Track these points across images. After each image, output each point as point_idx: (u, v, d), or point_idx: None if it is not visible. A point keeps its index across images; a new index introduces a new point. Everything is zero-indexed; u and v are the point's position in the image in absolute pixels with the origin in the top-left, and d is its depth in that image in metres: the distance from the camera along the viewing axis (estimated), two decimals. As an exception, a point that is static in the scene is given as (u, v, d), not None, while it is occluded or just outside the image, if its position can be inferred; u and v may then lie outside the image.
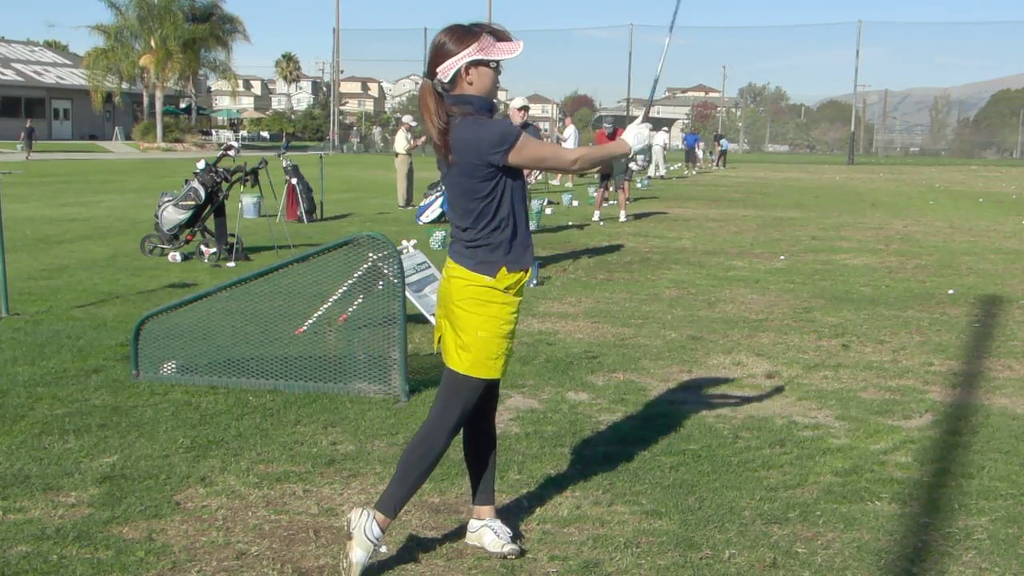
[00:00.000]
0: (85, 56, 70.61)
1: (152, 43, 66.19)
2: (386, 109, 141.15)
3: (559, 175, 29.22)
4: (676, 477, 5.43)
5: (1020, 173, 58.45)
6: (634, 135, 4.26)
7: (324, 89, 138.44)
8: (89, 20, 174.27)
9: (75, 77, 77.47)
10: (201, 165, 14.06)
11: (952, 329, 9.70)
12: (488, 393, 4.37)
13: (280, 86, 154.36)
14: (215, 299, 7.30)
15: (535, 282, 11.83)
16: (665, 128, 47.36)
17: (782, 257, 15.24)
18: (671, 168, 47.31)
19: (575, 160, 4.24)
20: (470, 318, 4.11)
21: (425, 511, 4.94)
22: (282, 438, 5.99)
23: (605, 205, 21.51)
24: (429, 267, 9.19)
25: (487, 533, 4.40)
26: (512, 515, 4.81)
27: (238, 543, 4.52)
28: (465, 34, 3.98)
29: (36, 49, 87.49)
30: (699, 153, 53.55)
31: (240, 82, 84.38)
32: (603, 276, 12.95)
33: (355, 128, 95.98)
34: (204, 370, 7.18)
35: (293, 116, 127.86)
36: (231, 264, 13.25)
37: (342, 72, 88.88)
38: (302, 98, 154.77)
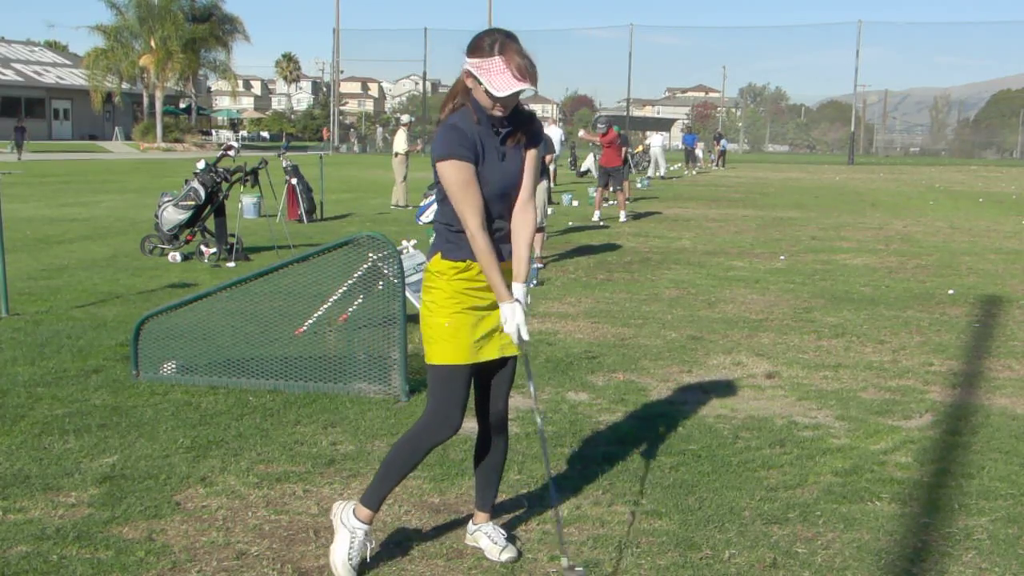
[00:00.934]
0: (85, 56, 70.62)
1: (152, 43, 66.20)
2: (386, 109, 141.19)
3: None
4: (676, 477, 5.43)
5: (1020, 173, 58.44)
6: (517, 318, 4.00)
7: (324, 89, 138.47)
8: (89, 20, 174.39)
9: (75, 77, 77.50)
10: (201, 165, 14.07)
11: (952, 329, 9.70)
12: (485, 395, 4.33)
13: (280, 86, 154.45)
14: (215, 299, 7.30)
15: (535, 282, 11.83)
16: (664, 132, 47.26)
17: (782, 257, 15.24)
18: (671, 168, 47.30)
19: (475, 232, 3.93)
20: (421, 304, 4.20)
21: (425, 511, 4.94)
22: (282, 438, 5.99)
23: (605, 205, 21.50)
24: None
25: (482, 538, 4.41)
26: (512, 515, 4.81)
27: (238, 543, 4.52)
28: (475, 46, 3.88)
29: (36, 49, 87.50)
30: (698, 153, 53.54)
31: (240, 82, 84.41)
32: (603, 276, 12.95)
33: (352, 128, 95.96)
34: (204, 370, 7.18)
35: (293, 116, 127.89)
36: (231, 264, 13.25)
37: (342, 72, 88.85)
38: (302, 98, 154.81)
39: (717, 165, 57.63)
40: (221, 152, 14.90)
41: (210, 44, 70.53)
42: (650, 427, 6.32)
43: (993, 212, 25.97)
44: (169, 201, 13.95)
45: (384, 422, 6.31)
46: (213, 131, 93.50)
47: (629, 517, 4.86)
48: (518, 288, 4.07)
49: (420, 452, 4.18)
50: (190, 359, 7.28)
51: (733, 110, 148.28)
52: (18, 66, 77.94)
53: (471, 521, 4.51)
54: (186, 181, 14.10)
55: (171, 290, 11.04)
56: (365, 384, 6.90)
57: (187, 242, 14.01)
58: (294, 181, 19.41)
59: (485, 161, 3.96)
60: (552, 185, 16.88)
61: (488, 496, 4.47)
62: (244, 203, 18.24)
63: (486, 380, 4.30)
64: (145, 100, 73.88)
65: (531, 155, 4.12)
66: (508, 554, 4.32)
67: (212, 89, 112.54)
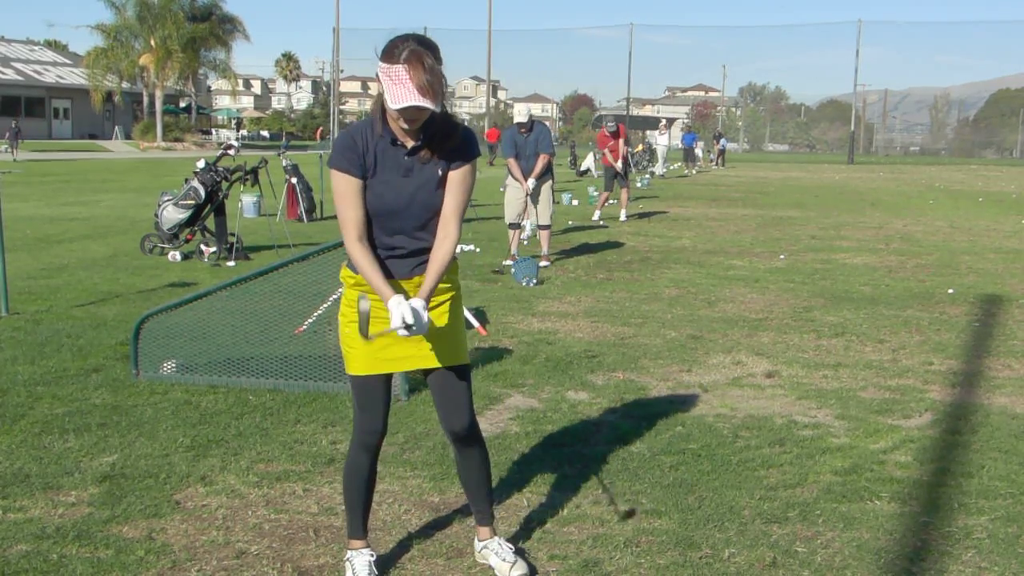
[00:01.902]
0: (85, 55, 70.61)
1: (152, 42, 66.18)
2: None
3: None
4: (676, 476, 5.43)
5: (1020, 172, 58.44)
6: (399, 309, 3.72)
7: (324, 88, 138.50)
8: (89, 19, 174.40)
9: (75, 76, 77.46)
10: (201, 164, 14.08)
11: (952, 328, 9.70)
12: (441, 410, 4.14)
13: (280, 85, 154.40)
14: (215, 298, 7.31)
15: (534, 281, 11.83)
16: (664, 127, 47.15)
17: (782, 256, 15.24)
18: (671, 167, 47.31)
19: (347, 244, 3.89)
20: None
21: (425, 510, 4.94)
22: (282, 437, 5.99)
23: (606, 205, 21.49)
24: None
25: (491, 556, 4.29)
26: (512, 515, 4.81)
27: (238, 542, 4.52)
28: (387, 49, 3.64)
29: (36, 48, 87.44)
30: (698, 152, 53.50)
31: (240, 81, 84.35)
32: (603, 275, 12.95)
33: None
34: (204, 369, 7.19)
35: (293, 115, 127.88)
36: (231, 263, 13.25)
37: (342, 71, 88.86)
38: (302, 97, 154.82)
39: (717, 164, 57.63)
40: (221, 151, 14.91)
41: (210, 43, 70.49)
42: (650, 426, 6.32)
43: (993, 211, 25.97)
44: (169, 200, 13.95)
45: (384, 421, 6.30)
46: (213, 130, 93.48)
47: (616, 509, 4.86)
48: (415, 300, 3.78)
49: (356, 466, 4.13)
50: (190, 358, 7.28)
51: (733, 109, 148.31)
52: (18, 65, 77.91)
53: (476, 538, 4.41)
54: (186, 180, 14.11)
55: (171, 289, 11.04)
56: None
57: (187, 241, 14.02)
58: (294, 180, 19.41)
59: (377, 175, 3.82)
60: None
61: (482, 510, 4.36)
62: (244, 202, 18.24)
63: (436, 394, 4.14)
64: (145, 99, 73.86)
65: (456, 176, 3.88)
66: (518, 571, 4.20)
67: (212, 88, 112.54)
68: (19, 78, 75.43)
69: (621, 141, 20.66)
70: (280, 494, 5.12)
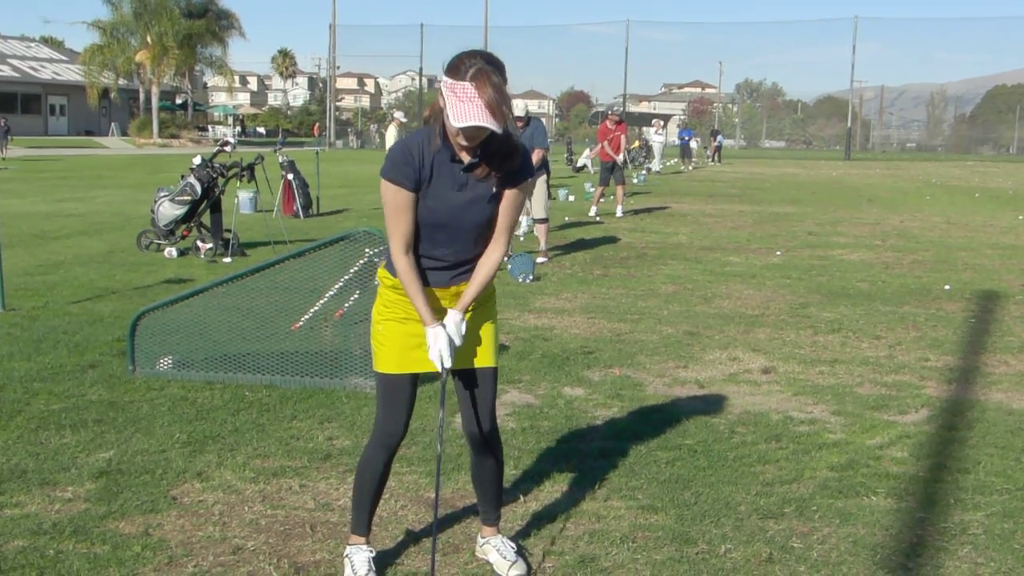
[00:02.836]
0: (81, 52, 70.59)
1: (148, 39, 66.12)
2: (382, 105, 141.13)
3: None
4: (672, 472, 5.43)
5: (1016, 169, 58.48)
6: (436, 344, 3.86)
7: (320, 85, 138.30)
8: (85, 16, 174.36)
9: (71, 73, 77.34)
10: (197, 161, 14.05)
11: (948, 324, 9.71)
12: (465, 411, 4.16)
13: (276, 82, 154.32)
14: (211, 294, 7.30)
15: (531, 277, 11.84)
16: (660, 125, 47.07)
17: (778, 253, 15.25)
18: (667, 164, 47.31)
19: (394, 256, 3.86)
20: None
21: (421, 506, 4.95)
22: (278, 433, 5.99)
23: (602, 201, 21.50)
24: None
25: (491, 552, 4.30)
26: (509, 510, 4.81)
27: (234, 538, 4.52)
28: (453, 65, 3.61)
29: (32, 45, 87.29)
30: (692, 145, 53.41)
31: (236, 78, 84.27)
32: (599, 271, 12.95)
33: (350, 125, 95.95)
34: (200, 365, 7.18)
35: (289, 112, 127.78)
36: (227, 260, 13.24)
37: (338, 68, 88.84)
38: (298, 94, 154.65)
39: (713, 160, 57.61)
40: (217, 148, 14.89)
41: (206, 40, 70.50)
42: (646, 422, 6.33)
43: (989, 208, 25.99)
44: (165, 196, 13.93)
45: (380, 417, 6.31)
46: (209, 127, 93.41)
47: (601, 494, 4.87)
48: (452, 316, 3.90)
49: (372, 464, 4.12)
50: (186, 354, 7.28)
51: (730, 106, 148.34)
52: (14, 62, 77.77)
53: (479, 534, 4.42)
54: (182, 177, 14.07)
55: (167, 285, 11.03)
56: (361, 379, 6.89)
57: (183, 237, 14.00)
58: (290, 177, 19.40)
59: (431, 188, 3.78)
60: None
61: (489, 511, 4.36)
62: (240, 198, 18.25)
63: (461, 396, 4.15)
64: (141, 96, 73.81)
65: (509, 195, 3.87)
66: (517, 570, 4.19)
67: (208, 85, 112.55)
68: (15, 75, 75.32)
69: (622, 136, 20.65)
70: (276, 490, 5.12)
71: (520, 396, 6.92)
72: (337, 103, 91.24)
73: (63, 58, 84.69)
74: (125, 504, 4.86)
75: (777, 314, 10.11)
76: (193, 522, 4.69)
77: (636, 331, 9.15)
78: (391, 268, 3.95)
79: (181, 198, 13.73)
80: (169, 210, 13.78)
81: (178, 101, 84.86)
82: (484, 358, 4.08)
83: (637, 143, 43.85)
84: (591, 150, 22.97)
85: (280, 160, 19.40)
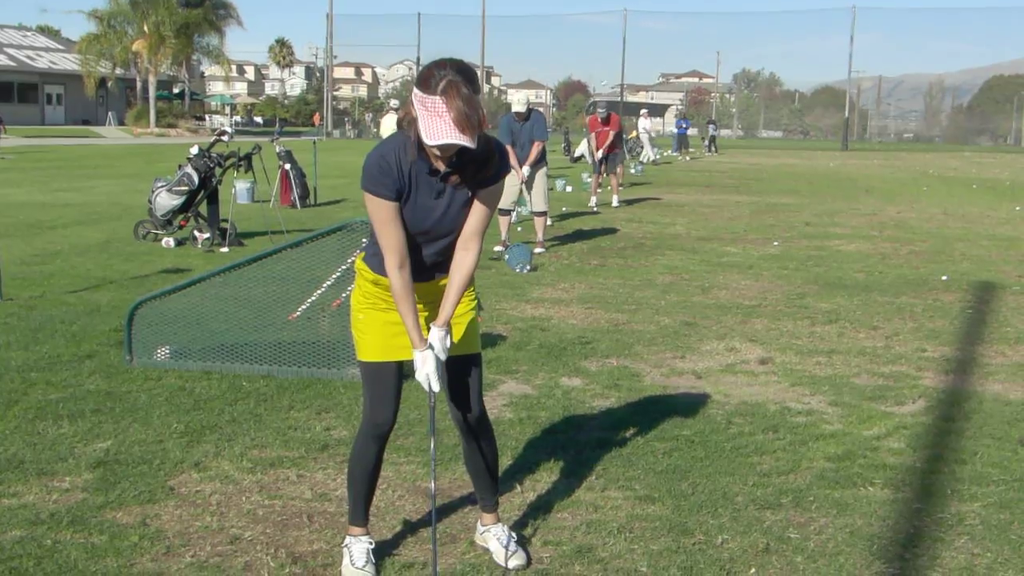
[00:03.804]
0: (78, 41, 70.40)
1: (145, 28, 65.98)
2: (380, 94, 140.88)
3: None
4: (669, 463, 5.44)
5: (1014, 159, 58.50)
6: (424, 368, 3.85)
7: (318, 74, 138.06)
8: (82, 5, 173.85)
9: (68, 62, 77.14)
10: (194, 150, 14.05)
11: (945, 315, 9.72)
12: (452, 398, 4.17)
13: (273, 71, 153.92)
14: (209, 284, 7.30)
15: (528, 268, 11.84)
16: (644, 114, 46.86)
17: (776, 243, 15.25)
18: (663, 153, 47.26)
19: (389, 270, 3.76)
20: None
21: (419, 496, 4.95)
22: (276, 423, 5.99)
23: (600, 191, 21.50)
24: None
25: (491, 540, 4.30)
26: (506, 500, 4.81)
27: (232, 528, 4.53)
28: (423, 78, 3.57)
29: (29, 34, 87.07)
30: (693, 132, 53.33)
31: (233, 67, 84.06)
32: (597, 262, 12.95)
33: (347, 115, 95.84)
34: (198, 355, 7.18)
35: (286, 101, 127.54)
36: (224, 249, 13.24)
37: (335, 57, 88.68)
38: (296, 83, 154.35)
39: (709, 151, 57.59)
40: (214, 138, 14.87)
41: (203, 29, 70.34)
42: (643, 413, 6.33)
43: (987, 198, 26.00)
44: (163, 186, 13.92)
45: (378, 407, 6.31)
46: (207, 116, 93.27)
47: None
48: (435, 333, 3.88)
49: (363, 456, 4.12)
50: (184, 344, 7.27)
51: (727, 96, 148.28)
52: (10, 51, 77.57)
53: (479, 522, 4.42)
54: (179, 166, 14.06)
55: (165, 275, 11.03)
56: (358, 369, 6.88)
57: (180, 227, 13.99)
58: (287, 166, 19.38)
59: (411, 198, 3.75)
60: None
61: (486, 497, 4.36)
62: (237, 188, 18.19)
63: (450, 384, 4.12)
64: (138, 85, 73.64)
65: (483, 195, 3.84)
66: (516, 560, 4.19)
67: (205, 74, 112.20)
68: (12, 64, 75.14)
69: (611, 132, 20.72)
70: (274, 480, 5.12)
71: (517, 386, 6.92)
72: (334, 92, 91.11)
73: (60, 47, 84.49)
74: (123, 494, 4.86)
75: (774, 305, 10.12)
76: (191, 512, 4.69)
77: (633, 321, 9.15)
78: (371, 262, 3.94)
79: (178, 188, 13.72)
80: (166, 200, 13.77)
81: (175, 91, 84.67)
82: (468, 345, 4.08)
83: (635, 133, 43.79)
84: (588, 140, 23.00)
85: (277, 150, 19.37)
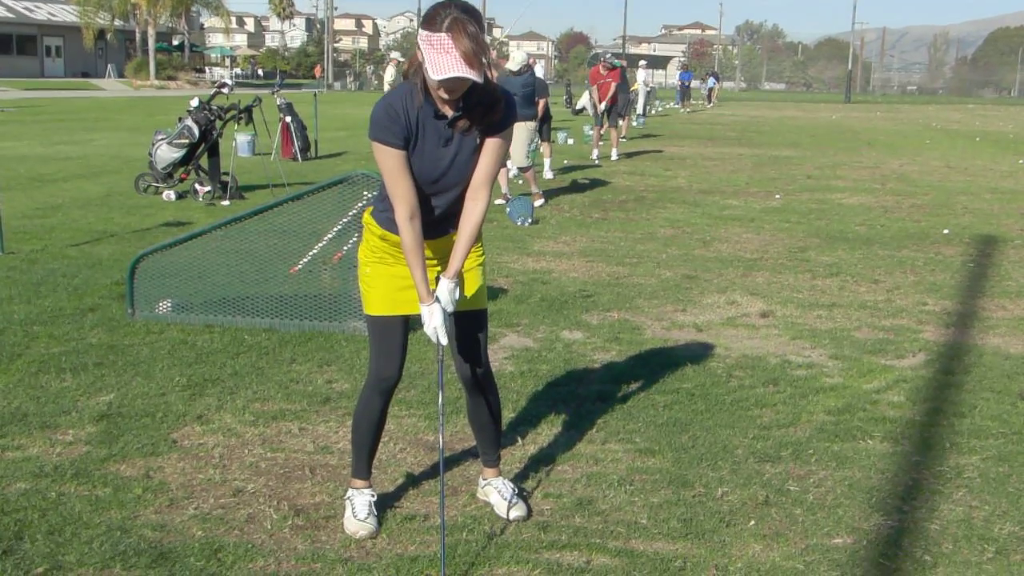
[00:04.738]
0: (77, -9, 70.01)
1: (144, -22, 65.57)
2: (380, 46, 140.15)
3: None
4: (670, 415, 5.46)
5: (1018, 112, 58.24)
6: (432, 321, 3.82)
7: (318, 26, 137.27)
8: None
9: (66, 14, 76.57)
10: (195, 103, 13.99)
11: (946, 269, 9.72)
12: (458, 353, 4.16)
13: (274, 23, 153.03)
14: (210, 238, 7.30)
15: (530, 221, 11.82)
16: (643, 66, 46.58)
17: (777, 196, 15.22)
18: (666, 105, 47.04)
19: (399, 221, 3.74)
20: None
21: (420, 449, 4.97)
22: (278, 376, 6.01)
23: (601, 144, 21.42)
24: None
25: (492, 493, 4.32)
26: (507, 453, 4.83)
27: (235, 480, 4.55)
28: (428, 17, 3.53)
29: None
30: (695, 84, 53.11)
31: (233, 19, 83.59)
32: (598, 215, 12.93)
33: (348, 67, 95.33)
34: (200, 309, 7.19)
35: (287, 53, 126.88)
36: (225, 202, 13.22)
37: (336, 9, 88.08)
38: (296, 35, 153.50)
39: (709, 103, 57.33)
40: (215, 90, 14.81)
41: (202, -20, 69.93)
42: (644, 366, 6.35)
43: (990, 151, 25.91)
44: (163, 139, 13.87)
45: (379, 361, 6.32)
46: (207, 68, 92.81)
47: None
48: (444, 285, 3.86)
49: (368, 409, 4.13)
50: (185, 298, 7.28)
51: (730, 48, 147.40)
52: (8, 2, 77.02)
53: (481, 475, 4.44)
54: (180, 119, 14.01)
55: (166, 228, 11.02)
56: (360, 322, 6.90)
57: (181, 180, 13.96)
58: (288, 119, 19.30)
59: (418, 146, 3.72)
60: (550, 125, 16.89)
61: (488, 452, 4.38)
62: (238, 141, 18.15)
63: (456, 339, 4.12)
64: (137, 37, 73.26)
65: (491, 143, 3.80)
66: (517, 512, 4.22)
67: (205, 26, 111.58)
68: (10, 15, 74.62)
69: (612, 83, 20.55)
70: (276, 433, 5.15)
71: (518, 340, 6.94)
72: (335, 44, 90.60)
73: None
74: (126, 447, 4.88)
75: (775, 258, 10.12)
76: (193, 465, 4.72)
77: (635, 275, 9.15)
78: (378, 217, 3.93)
79: (179, 141, 13.68)
80: (167, 153, 13.73)
81: (175, 43, 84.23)
82: (475, 300, 4.07)
83: (635, 86, 43.60)
84: (590, 93, 22.84)
85: (278, 102, 19.29)
